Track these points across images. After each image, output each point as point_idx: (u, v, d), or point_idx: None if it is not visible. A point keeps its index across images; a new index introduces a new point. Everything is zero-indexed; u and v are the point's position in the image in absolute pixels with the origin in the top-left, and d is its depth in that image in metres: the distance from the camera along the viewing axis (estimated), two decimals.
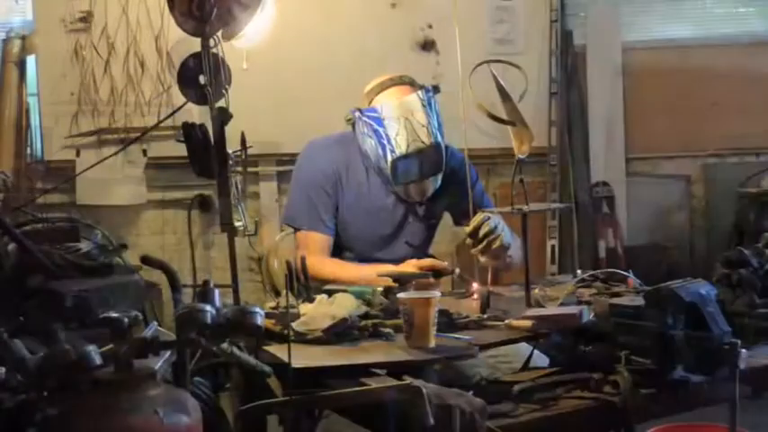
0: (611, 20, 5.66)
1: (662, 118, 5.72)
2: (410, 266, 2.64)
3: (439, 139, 2.81)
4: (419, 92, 2.85)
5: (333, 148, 3.00)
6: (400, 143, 2.77)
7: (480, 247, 2.58)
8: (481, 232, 2.57)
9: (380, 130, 2.79)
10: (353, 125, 2.88)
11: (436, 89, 2.89)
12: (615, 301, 2.05)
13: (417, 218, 2.99)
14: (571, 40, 5.62)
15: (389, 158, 2.79)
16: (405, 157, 2.78)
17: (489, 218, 2.59)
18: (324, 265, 2.80)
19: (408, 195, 2.90)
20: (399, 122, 2.78)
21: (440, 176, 2.88)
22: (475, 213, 2.80)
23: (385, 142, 2.79)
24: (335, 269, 2.79)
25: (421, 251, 2.99)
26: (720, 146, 5.74)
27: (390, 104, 2.82)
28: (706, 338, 1.86)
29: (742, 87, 5.66)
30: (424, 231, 3.03)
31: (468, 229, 2.60)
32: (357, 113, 2.85)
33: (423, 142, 2.78)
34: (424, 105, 2.82)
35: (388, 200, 2.95)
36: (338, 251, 2.97)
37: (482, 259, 2.62)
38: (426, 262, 2.68)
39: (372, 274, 2.61)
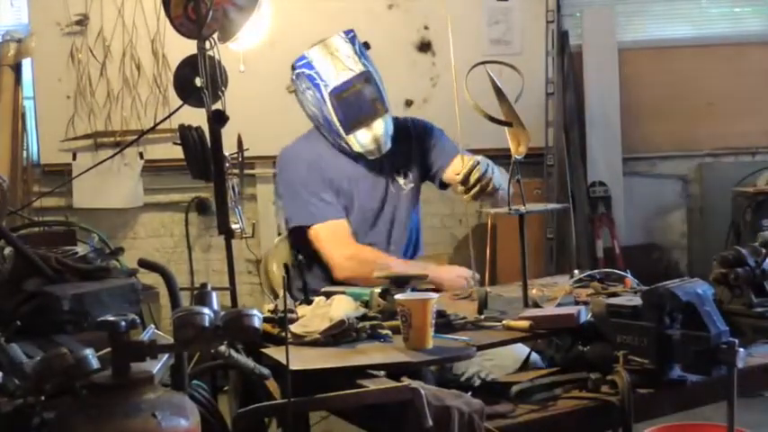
0: (607, 20, 5.67)
1: (658, 118, 5.73)
2: None
3: (370, 68, 2.86)
4: (340, 32, 2.90)
5: (302, 146, 3.02)
6: (332, 76, 2.82)
7: (473, 192, 2.59)
8: (472, 178, 2.58)
9: (312, 72, 2.84)
10: (295, 92, 2.92)
11: (366, 44, 2.95)
12: (612, 300, 2.05)
13: (397, 185, 3.01)
14: (567, 41, 5.63)
15: (327, 96, 2.81)
16: (340, 89, 2.81)
17: (479, 162, 2.61)
18: (365, 253, 2.83)
19: (366, 149, 2.88)
20: (327, 59, 2.84)
21: (388, 121, 2.88)
22: (451, 163, 2.89)
23: (319, 82, 2.83)
24: (379, 256, 2.82)
25: (409, 222, 3.03)
26: (716, 145, 5.75)
27: (316, 49, 2.88)
28: (703, 338, 1.86)
29: (738, 87, 5.68)
30: (407, 200, 3.03)
31: (458, 177, 2.61)
32: (291, 71, 2.90)
33: (352, 69, 2.82)
34: (347, 41, 2.88)
35: (358, 171, 2.96)
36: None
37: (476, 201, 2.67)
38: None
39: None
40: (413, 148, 3.06)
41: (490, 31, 5.52)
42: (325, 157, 2.95)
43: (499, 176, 2.66)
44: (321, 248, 2.86)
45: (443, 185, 3.10)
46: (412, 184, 3.05)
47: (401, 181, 3.03)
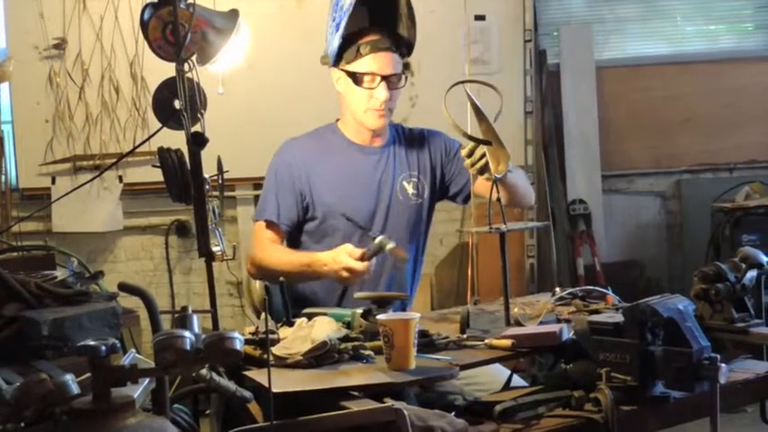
0: (585, 39, 5.72)
1: (636, 135, 5.78)
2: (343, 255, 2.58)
3: None
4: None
5: (303, 140, 2.99)
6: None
7: (479, 165, 2.52)
8: (477, 153, 2.51)
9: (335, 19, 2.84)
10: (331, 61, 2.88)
11: None
12: (594, 318, 2.05)
13: (404, 192, 2.92)
14: (545, 60, 5.68)
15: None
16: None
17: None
18: (265, 252, 2.83)
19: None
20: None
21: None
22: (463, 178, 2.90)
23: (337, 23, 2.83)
24: (272, 254, 2.81)
25: (411, 235, 2.95)
26: (694, 162, 5.80)
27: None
28: (685, 354, 1.86)
29: (714, 104, 5.74)
30: (414, 213, 2.94)
31: (464, 151, 2.55)
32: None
33: None
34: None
35: (357, 168, 2.91)
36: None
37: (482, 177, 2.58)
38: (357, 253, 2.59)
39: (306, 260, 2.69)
40: (427, 157, 2.97)
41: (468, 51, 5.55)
42: (324, 153, 2.92)
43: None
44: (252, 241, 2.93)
45: (467, 199, 3.00)
46: (421, 200, 2.95)
47: (409, 190, 2.93)
